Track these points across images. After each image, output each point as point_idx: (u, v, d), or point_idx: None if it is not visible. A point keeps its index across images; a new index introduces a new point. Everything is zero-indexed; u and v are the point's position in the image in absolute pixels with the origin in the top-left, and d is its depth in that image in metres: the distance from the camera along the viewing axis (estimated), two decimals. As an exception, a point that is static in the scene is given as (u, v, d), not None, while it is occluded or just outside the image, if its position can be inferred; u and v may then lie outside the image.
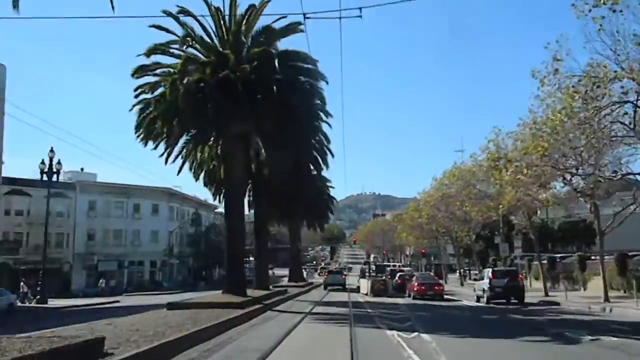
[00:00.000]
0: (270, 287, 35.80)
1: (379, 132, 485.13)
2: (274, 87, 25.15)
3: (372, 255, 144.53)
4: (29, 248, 54.14)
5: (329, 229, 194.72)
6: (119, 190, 63.60)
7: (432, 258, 71.81)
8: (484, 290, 29.30)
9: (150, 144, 25.92)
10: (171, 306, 19.66)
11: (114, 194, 63.41)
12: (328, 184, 56.09)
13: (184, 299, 25.09)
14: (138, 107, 25.77)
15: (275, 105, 24.47)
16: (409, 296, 35.06)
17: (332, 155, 37.55)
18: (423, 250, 73.24)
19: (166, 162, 27.07)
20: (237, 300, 21.66)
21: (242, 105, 23.65)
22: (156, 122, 24.77)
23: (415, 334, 13.43)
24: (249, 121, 24.68)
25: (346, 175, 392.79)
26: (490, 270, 30.71)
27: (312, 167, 37.35)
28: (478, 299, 30.40)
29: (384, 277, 41.25)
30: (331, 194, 54.57)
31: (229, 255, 26.19)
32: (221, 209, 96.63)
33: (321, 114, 30.22)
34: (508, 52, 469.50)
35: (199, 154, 29.74)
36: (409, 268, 58.70)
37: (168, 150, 26.63)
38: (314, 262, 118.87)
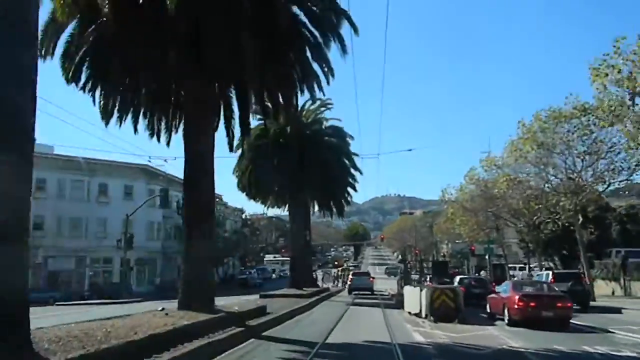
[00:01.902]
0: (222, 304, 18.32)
1: (403, 133, 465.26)
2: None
3: (399, 256, 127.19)
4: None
5: (353, 227, 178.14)
6: (78, 165, 47.83)
7: (487, 257, 54.17)
8: None
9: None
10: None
11: (72, 171, 47.73)
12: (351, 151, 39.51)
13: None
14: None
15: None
16: (491, 316, 19.31)
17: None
18: (472, 248, 55.95)
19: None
20: None
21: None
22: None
23: None
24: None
25: (375, 175, 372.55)
26: (550, 272, 28.15)
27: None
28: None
29: (453, 286, 23.05)
30: (356, 164, 37.83)
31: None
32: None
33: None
34: (540, 57, 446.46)
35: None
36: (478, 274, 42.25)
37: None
38: (335, 263, 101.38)
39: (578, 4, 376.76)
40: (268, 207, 37.10)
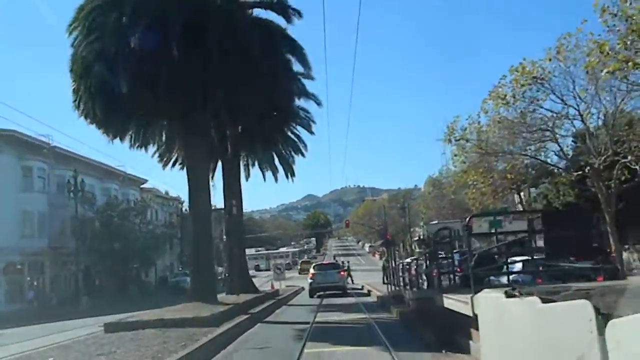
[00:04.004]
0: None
1: (360, 123, 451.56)
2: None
3: (365, 244, 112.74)
4: None
5: (313, 216, 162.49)
6: None
7: (494, 230, 40.14)
8: None
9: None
10: None
11: None
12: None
13: None
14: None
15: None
16: None
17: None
18: (469, 224, 41.96)
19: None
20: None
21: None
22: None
23: None
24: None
25: (340, 166, 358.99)
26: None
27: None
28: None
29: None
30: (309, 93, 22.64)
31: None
32: (150, 185, 64.66)
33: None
34: (492, 35, 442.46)
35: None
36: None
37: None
38: (295, 258, 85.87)
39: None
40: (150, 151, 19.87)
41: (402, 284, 19.54)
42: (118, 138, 16.82)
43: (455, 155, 24.74)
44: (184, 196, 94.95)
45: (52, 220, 39.53)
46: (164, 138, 18.99)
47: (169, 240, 60.73)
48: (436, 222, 77.94)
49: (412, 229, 77.91)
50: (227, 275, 28.17)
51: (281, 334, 12.13)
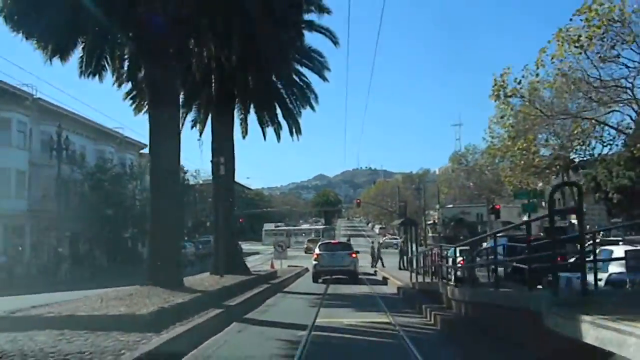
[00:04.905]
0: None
1: (374, 104, 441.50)
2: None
3: (376, 225, 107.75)
4: None
5: (323, 194, 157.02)
6: None
7: (527, 215, 34.81)
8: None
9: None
10: None
11: None
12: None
13: None
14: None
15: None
16: None
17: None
18: (496, 206, 36.72)
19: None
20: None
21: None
22: None
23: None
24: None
25: (354, 146, 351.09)
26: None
27: None
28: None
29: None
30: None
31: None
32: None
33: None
34: (509, 27, 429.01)
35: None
36: None
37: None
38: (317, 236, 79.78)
39: None
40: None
41: (437, 275, 14.80)
42: (59, 57, 12.14)
43: (502, 117, 19.61)
44: (193, 165, 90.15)
45: (33, 181, 35.25)
46: (126, 65, 14.21)
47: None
48: (452, 206, 73.19)
49: (426, 212, 72.99)
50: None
51: (259, 353, 7.43)
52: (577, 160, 26.10)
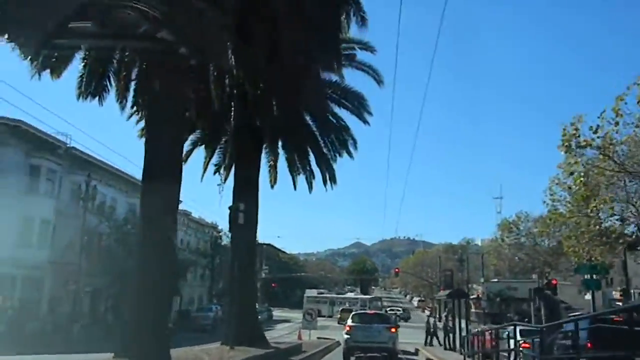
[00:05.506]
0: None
1: (416, 174, 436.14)
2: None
3: (414, 298, 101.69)
4: None
5: (359, 261, 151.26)
6: None
7: (591, 294, 30.36)
8: None
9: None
10: None
11: None
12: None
13: None
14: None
15: None
16: None
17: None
18: (553, 282, 32.45)
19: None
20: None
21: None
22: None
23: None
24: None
25: (394, 216, 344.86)
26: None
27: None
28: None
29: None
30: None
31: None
32: (184, 207, 57.68)
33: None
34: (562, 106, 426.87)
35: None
36: None
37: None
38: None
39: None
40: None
41: None
42: (49, 72, 10.24)
43: (572, 174, 16.43)
44: (223, 225, 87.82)
45: (58, 231, 33.67)
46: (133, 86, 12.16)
47: (198, 268, 54.23)
48: (497, 280, 67.71)
49: (469, 285, 67.81)
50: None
51: None
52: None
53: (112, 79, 11.15)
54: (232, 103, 14.29)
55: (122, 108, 12.16)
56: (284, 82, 12.20)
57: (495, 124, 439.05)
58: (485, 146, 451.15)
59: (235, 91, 13.95)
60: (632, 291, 32.79)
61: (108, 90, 11.21)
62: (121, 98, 11.76)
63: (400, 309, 69.18)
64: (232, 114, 14.24)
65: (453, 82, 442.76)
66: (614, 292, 41.87)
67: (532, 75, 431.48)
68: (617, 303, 30.51)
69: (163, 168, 9.80)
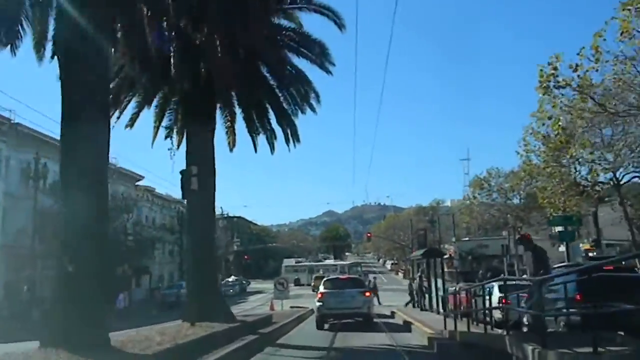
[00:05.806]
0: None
1: (383, 136, 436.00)
2: None
3: (387, 261, 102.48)
4: None
5: (331, 229, 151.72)
6: None
7: (565, 245, 30.06)
8: None
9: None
10: None
11: None
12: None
13: None
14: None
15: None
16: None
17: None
18: (527, 235, 32.26)
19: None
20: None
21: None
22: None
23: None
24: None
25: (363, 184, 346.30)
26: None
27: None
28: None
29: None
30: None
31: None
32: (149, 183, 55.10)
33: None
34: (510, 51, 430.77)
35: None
36: None
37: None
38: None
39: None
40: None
41: (506, 325, 10.47)
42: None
43: (550, 118, 15.37)
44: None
45: (9, 214, 31.40)
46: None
47: (166, 245, 52.53)
48: (468, 239, 68.18)
49: (441, 246, 68.13)
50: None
51: None
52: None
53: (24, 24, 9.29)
54: (172, 49, 12.54)
55: (40, 59, 10.34)
56: (230, 23, 10.53)
57: (464, 82, 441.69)
58: (453, 106, 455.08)
59: (174, 33, 12.19)
60: (602, 242, 32.78)
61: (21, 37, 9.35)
62: (39, 46, 9.96)
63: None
64: (173, 61, 12.48)
65: (417, 38, 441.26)
66: (581, 245, 42.26)
67: (503, 28, 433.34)
68: (590, 254, 30.37)
69: (88, 103, 8.13)
